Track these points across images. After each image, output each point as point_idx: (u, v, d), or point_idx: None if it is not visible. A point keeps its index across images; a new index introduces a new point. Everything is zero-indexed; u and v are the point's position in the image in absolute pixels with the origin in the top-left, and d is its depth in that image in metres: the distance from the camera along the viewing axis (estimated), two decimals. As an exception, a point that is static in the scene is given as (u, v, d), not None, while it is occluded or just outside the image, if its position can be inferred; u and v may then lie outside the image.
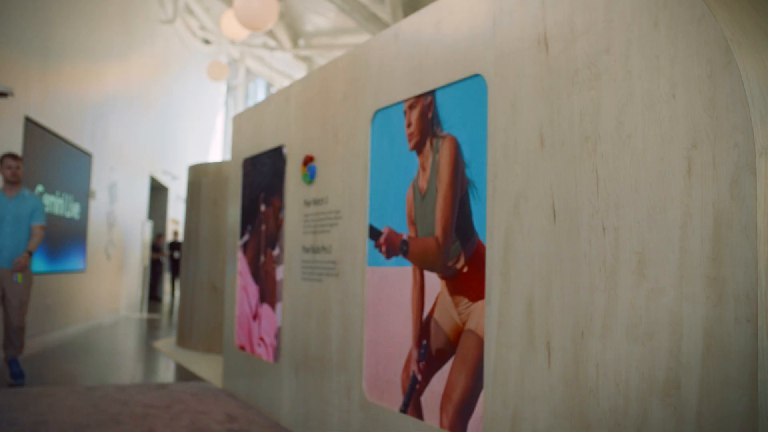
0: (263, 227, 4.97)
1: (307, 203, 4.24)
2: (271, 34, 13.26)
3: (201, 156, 22.49)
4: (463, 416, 2.78)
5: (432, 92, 3.11)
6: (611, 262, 2.15)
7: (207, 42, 19.48)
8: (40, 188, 7.67)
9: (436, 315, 3.01)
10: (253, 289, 5.08)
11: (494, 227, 2.65)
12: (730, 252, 1.81)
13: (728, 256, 1.82)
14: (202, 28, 18.35)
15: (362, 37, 11.96)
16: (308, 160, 4.23)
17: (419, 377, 3.09)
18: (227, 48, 18.35)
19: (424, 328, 3.08)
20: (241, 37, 10.03)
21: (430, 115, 3.12)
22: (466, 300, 2.82)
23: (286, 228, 4.53)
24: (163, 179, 15.52)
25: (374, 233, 3.50)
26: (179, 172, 16.90)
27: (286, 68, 19.08)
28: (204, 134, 22.91)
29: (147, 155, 13.64)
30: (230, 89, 28.15)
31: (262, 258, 4.95)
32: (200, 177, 8.03)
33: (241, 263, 5.36)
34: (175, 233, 16.81)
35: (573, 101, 2.32)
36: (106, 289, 11.01)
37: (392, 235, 3.36)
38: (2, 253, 5.40)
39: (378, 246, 3.46)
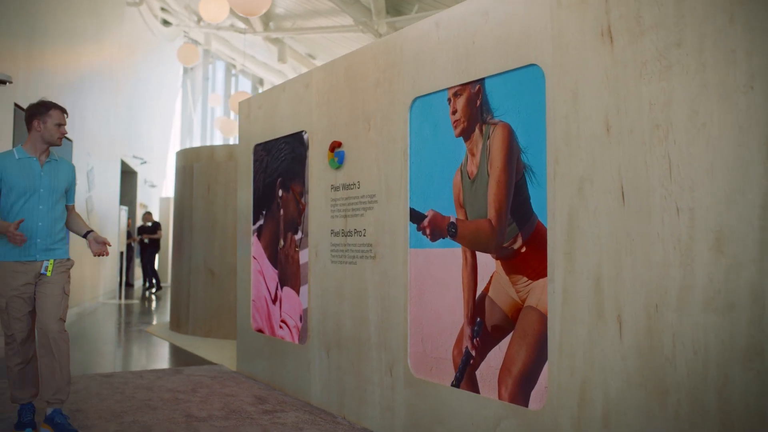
0: (282, 212, 5.04)
1: (335, 188, 4.34)
2: (241, 16, 13.13)
3: (164, 139, 22.20)
4: (525, 387, 2.96)
5: (480, 80, 3.24)
6: (686, 241, 2.33)
7: (166, 23, 19.16)
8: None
9: (491, 293, 3.17)
10: (272, 273, 5.16)
11: (556, 209, 2.81)
12: (813, 229, 2.00)
13: (810, 233, 2.01)
14: (163, 9, 18.05)
15: (336, 20, 11.96)
16: (336, 146, 4.32)
17: (473, 353, 3.25)
18: (192, 30, 18.08)
19: (477, 306, 3.24)
20: (220, 19, 9.96)
21: (478, 102, 3.25)
22: (525, 278, 2.99)
23: (311, 212, 4.62)
24: (132, 163, 15.32)
25: (417, 216, 3.63)
26: (147, 156, 16.68)
27: (247, 49, 18.91)
28: (165, 117, 22.59)
29: (118, 140, 13.45)
30: (187, 71, 27.69)
31: (282, 242, 5.03)
32: (191, 161, 8.02)
33: (255, 248, 5.43)
34: (145, 216, 16.62)
35: (641, 91, 2.48)
36: (87, 276, 10.90)
37: (437, 218, 3.49)
38: (34, 239, 3.79)
39: (422, 229, 3.60)
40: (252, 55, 18.81)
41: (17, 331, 3.77)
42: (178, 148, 26.94)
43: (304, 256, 4.73)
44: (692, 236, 2.31)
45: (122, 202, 15.79)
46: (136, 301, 12.80)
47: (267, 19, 13.27)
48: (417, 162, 3.65)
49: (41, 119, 3.82)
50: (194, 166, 7.94)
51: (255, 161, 5.46)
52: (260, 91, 23.39)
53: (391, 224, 3.81)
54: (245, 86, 25.71)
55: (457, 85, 3.37)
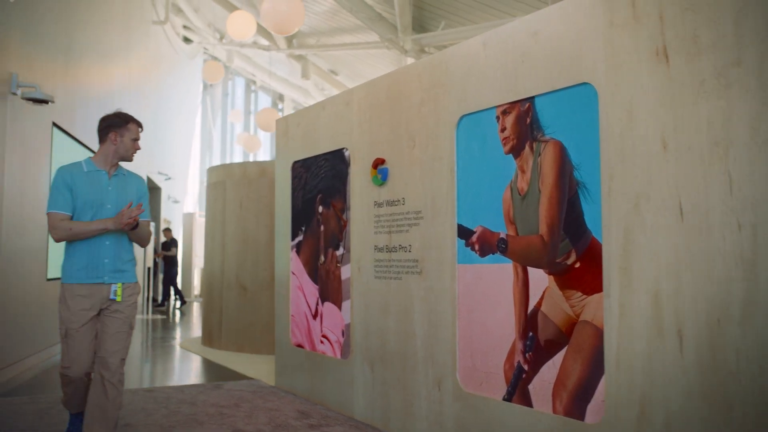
0: (322, 228, 5.12)
1: (378, 204, 4.41)
2: (265, 33, 13.32)
3: (185, 155, 22.42)
4: (581, 401, 2.99)
5: (530, 99, 3.30)
6: (749, 256, 2.37)
7: (187, 40, 19.42)
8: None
9: (543, 308, 3.21)
10: (312, 289, 5.23)
11: (611, 225, 2.85)
12: None
13: None
14: (185, 27, 18.30)
15: (361, 37, 12.09)
16: (379, 163, 4.39)
17: (526, 367, 3.29)
18: (213, 47, 18.32)
19: (529, 321, 3.28)
20: (246, 37, 10.10)
21: (528, 120, 3.31)
22: (579, 293, 3.03)
23: (353, 228, 4.69)
24: (157, 179, 15.50)
25: (465, 232, 3.68)
26: (170, 172, 16.87)
27: (269, 65, 19.12)
28: (187, 133, 22.83)
29: (144, 156, 13.62)
30: (207, 88, 27.99)
31: (323, 258, 5.10)
32: (224, 178, 8.12)
33: (294, 263, 5.50)
34: (165, 233, 16.76)
35: (699, 109, 2.53)
36: (116, 292, 11.02)
37: (487, 233, 3.55)
38: (101, 259, 3.52)
39: (470, 244, 3.65)
40: (273, 72, 19.02)
41: (75, 365, 3.43)
42: (198, 164, 27.18)
43: (346, 271, 4.79)
44: (755, 252, 2.35)
45: (147, 218, 15.94)
46: (161, 317, 12.91)
47: (291, 36, 13.43)
48: (464, 179, 3.71)
49: (119, 132, 3.62)
50: (226, 182, 8.04)
51: (293, 178, 5.54)
52: (280, 106, 23.59)
53: (437, 240, 3.87)
54: (265, 102, 25.95)
55: (506, 104, 3.43)
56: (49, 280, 7.18)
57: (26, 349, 6.47)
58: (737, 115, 2.41)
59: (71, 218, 3.53)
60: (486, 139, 3.56)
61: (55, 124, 7.17)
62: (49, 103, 5.97)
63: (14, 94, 5.84)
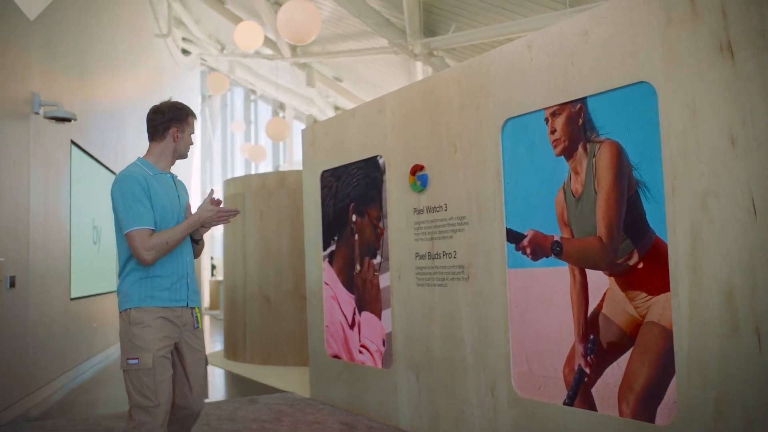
0: (356, 237, 5.08)
1: (418, 211, 4.37)
2: (268, 42, 13.30)
3: (186, 166, 22.35)
4: (650, 403, 2.96)
5: (582, 99, 3.27)
6: (831, 250, 2.34)
7: (185, 52, 19.38)
8: (84, 213, 7.65)
9: (605, 310, 3.18)
10: (348, 298, 5.19)
11: (677, 224, 2.82)
12: None
13: None
14: (185, 39, 18.26)
15: (367, 42, 12.07)
16: (417, 169, 4.36)
17: (587, 370, 3.26)
18: (213, 58, 18.28)
19: (590, 323, 3.25)
20: (254, 47, 10.08)
21: (581, 121, 3.28)
22: (644, 294, 3.00)
23: (391, 236, 4.65)
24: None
25: (515, 236, 3.65)
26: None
27: (270, 75, 19.09)
28: (188, 145, 22.74)
29: (152, 171, 13.59)
30: (205, 99, 27.96)
31: (359, 267, 5.06)
32: (242, 189, 8.09)
33: (327, 273, 5.46)
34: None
35: (770, 104, 2.50)
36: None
37: (539, 237, 3.52)
38: (184, 278, 3.10)
39: (521, 248, 3.62)
40: (275, 81, 18.98)
41: (164, 401, 2.87)
42: (198, 176, 27.11)
43: (384, 280, 4.75)
44: (838, 246, 2.32)
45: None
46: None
47: (294, 44, 13.40)
48: (512, 182, 3.68)
49: (180, 127, 3.12)
50: (245, 194, 8.01)
51: (323, 188, 5.51)
52: (281, 115, 23.56)
53: (485, 245, 3.84)
54: (265, 111, 25.91)
55: (555, 105, 3.40)
56: (72, 299, 7.13)
57: (54, 371, 6.42)
58: (812, 109, 2.39)
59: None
60: (534, 141, 3.54)
61: (73, 142, 7.14)
62: (71, 121, 5.93)
63: (36, 113, 5.81)
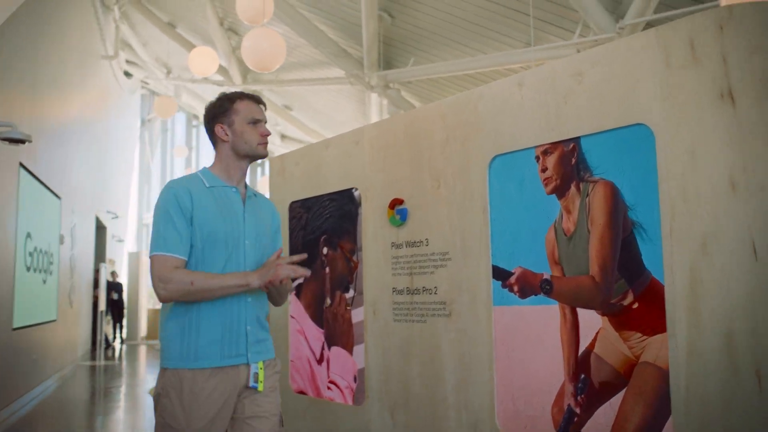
0: (327, 270, 4.98)
1: (396, 245, 4.32)
2: (220, 68, 13.14)
3: (125, 192, 21.78)
4: (645, 444, 2.95)
5: (575, 139, 3.30)
6: (834, 295, 2.39)
7: (127, 75, 19.01)
8: (28, 239, 7.30)
9: (597, 350, 3.18)
10: (316, 333, 5.07)
11: (675, 265, 2.85)
12: None
13: None
14: (128, 61, 17.90)
15: (321, 72, 12.05)
16: (397, 203, 4.32)
17: (577, 410, 3.24)
18: (157, 82, 17.96)
19: (581, 363, 3.24)
20: (209, 73, 9.93)
21: (574, 160, 3.30)
22: (638, 334, 3.01)
23: (366, 270, 4.58)
24: (103, 218, 14.98)
25: (502, 274, 3.63)
26: (116, 210, 16.34)
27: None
28: (127, 170, 22.26)
29: (93, 194, 13.16)
30: (144, 123, 27.44)
31: (329, 301, 4.96)
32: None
33: (294, 306, 5.33)
34: (113, 274, 16.18)
35: (772, 150, 2.56)
36: (72, 337, 10.52)
37: (527, 275, 3.50)
38: (242, 326, 2.48)
39: (508, 286, 3.60)
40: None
41: None
42: (136, 201, 26.43)
43: (357, 314, 4.66)
44: (841, 291, 2.38)
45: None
46: (114, 363, 12.37)
47: (245, 70, 13.29)
48: (499, 219, 3.67)
49: (226, 120, 2.53)
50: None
51: (291, 219, 5.40)
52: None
53: (469, 282, 3.80)
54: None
55: (547, 144, 3.42)
56: (15, 329, 6.76)
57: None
58: (815, 157, 2.45)
59: (186, 264, 2.40)
60: (524, 179, 3.54)
61: (21, 165, 6.84)
62: (26, 143, 5.68)
63: (-12, 134, 5.54)
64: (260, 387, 2.43)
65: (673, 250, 2.86)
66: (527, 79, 3.53)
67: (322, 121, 15.69)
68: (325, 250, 5.04)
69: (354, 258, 4.73)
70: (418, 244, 4.16)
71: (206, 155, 25.26)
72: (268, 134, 2.56)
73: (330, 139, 5.07)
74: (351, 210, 4.78)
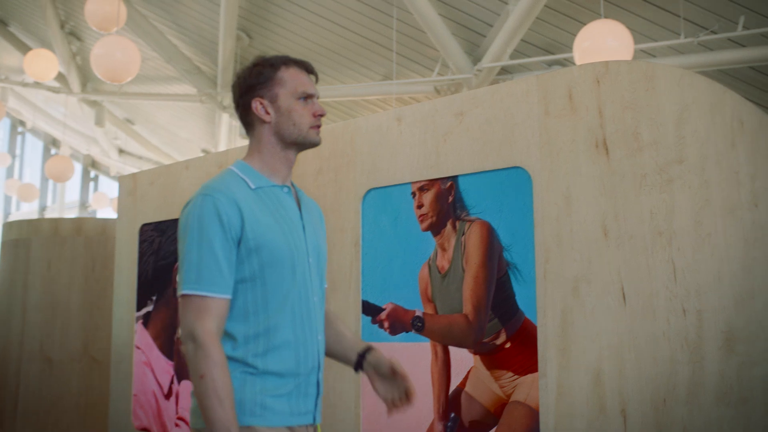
0: (181, 298, 4.68)
1: (260, 275, 4.14)
2: (58, 75, 12.21)
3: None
4: (513, 483, 2.99)
5: (453, 177, 3.33)
6: (694, 340, 2.55)
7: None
8: None
9: (468, 388, 3.19)
10: (165, 365, 4.74)
11: (547, 307, 2.93)
12: (823, 333, 2.30)
13: (821, 335, 2.31)
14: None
15: (170, 88, 11.55)
16: (262, 232, 4.15)
17: (446, 449, 3.23)
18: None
19: (451, 401, 3.24)
20: (48, 78, 9.19)
21: (450, 198, 3.33)
22: (510, 374, 3.05)
23: (224, 300, 4.35)
24: None
25: (373, 309, 3.57)
26: None
27: (50, 109, 17.57)
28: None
29: None
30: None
31: (179, 331, 4.65)
32: (28, 235, 7.18)
33: (140, 336, 4.96)
34: None
35: (641, 201, 2.71)
36: None
37: (399, 311, 3.47)
38: (314, 372, 2.07)
39: (378, 322, 3.54)
40: (52, 114, 17.46)
41: None
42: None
43: (213, 346, 4.40)
44: (701, 336, 2.54)
45: None
46: None
47: (85, 79, 12.47)
48: (371, 253, 3.62)
49: (265, 94, 1.96)
50: (32, 239, 7.12)
51: (142, 242, 5.05)
52: (54, 152, 21.60)
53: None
54: (35, 146, 23.63)
55: (424, 181, 3.43)
56: None
57: None
58: (680, 209, 2.62)
59: (230, 304, 1.85)
60: (399, 214, 3.52)
61: None
62: None
63: None
64: None
65: (546, 291, 2.94)
66: (406, 115, 3.53)
67: (165, 137, 15.03)
68: (178, 277, 4.74)
69: (212, 287, 4.48)
70: (284, 275, 4.01)
71: (32, 165, 23.36)
72: (323, 114, 1.99)
73: (191, 161, 4.81)
74: (211, 236, 4.53)
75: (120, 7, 6.74)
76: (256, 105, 1.98)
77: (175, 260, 4.73)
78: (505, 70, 7.06)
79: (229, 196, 1.85)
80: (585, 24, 5.32)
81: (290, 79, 1.97)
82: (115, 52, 6.28)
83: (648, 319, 2.65)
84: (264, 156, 1.99)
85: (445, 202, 3.35)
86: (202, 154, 12.04)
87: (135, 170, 12.84)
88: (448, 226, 3.33)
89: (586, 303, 2.82)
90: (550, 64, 6.83)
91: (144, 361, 4.92)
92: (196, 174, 4.68)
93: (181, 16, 9.30)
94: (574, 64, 5.68)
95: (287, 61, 2.00)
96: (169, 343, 4.72)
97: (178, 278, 1.89)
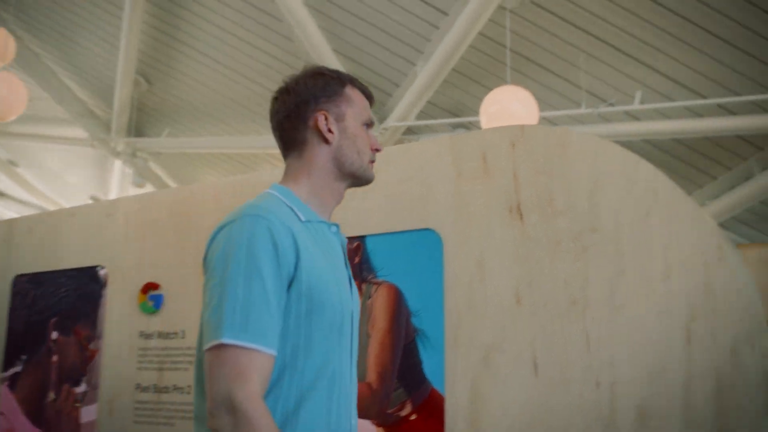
0: (55, 358, 4.25)
1: (146, 336, 3.81)
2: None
3: None
4: None
5: (360, 237, 3.17)
6: (607, 413, 2.47)
7: None
8: None
9: (370, 463, 2.98)
10: (31, 433, 4.25)
11: (457, 376, 2.79)
12: (736, 408, 2.26)
13: (733, 410, 2.27)
14: None
15: (60, 130, 10.94)
16: (151, 288, 3.84)
17: None
18: None
19: (352, 477, 3.01)
20: None
21: (357, 259, 3.17)
22: (415, 447, 2.87)
23: (105, 361, 3.96)
24: None
25: (270, 375, 3.32)
26: None
27: None
28: None
29: None
30: None
31: (53, 395, 4.20)
32: None
33: (4, 401, 4.45)
34: None
35: (556, 268, 2.64)
36: None
37: (299, 377, 3.24)
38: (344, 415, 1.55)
39: (276, 389, 3.29)
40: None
41: None
42: None
43: (89, 413, 3.99)
44: (614, 409, 2.46)
45: None
46: None
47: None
48: (271, 314, 3.38)
49: (332, 109, 1.68)
50: None
51: (14, 294, 4.58)
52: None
53: (231, 381, 3.43)
54: None
55: (331, 239, 3.25)
56: None
57: None
58: (594, 278, 2.56)
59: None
60: (302, 273, 3.32)
61: None
62: None
63: None
64: None
65: (456, 360, 2.80)
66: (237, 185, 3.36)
67: (52, 182, 14.19)
68: (54, 335, 4.31)
69: (90, 346, 4.09)
70: (173, 336, 3.71)
71: None
72: (380, 149, 1.75)
73: (75, 208, 4.46)
74: (93, 290, 4.16)
75: (8, 41, 6.30)
76: (320, 119, 1.66)
77: (52, 315, 4.31)
78: (410, 131, 7.05)
79: (285, 225, 1.48)
80: (491, 89, 5.39)
81: (358, 100, 1.70)
82: (1, 89, 5.85)
83: (561, 391, 2.55)
84: (314, 183, 1.68)
85: (351, 263, 3.18)
86: (90, 201, 11.41)
87: (15, 215, 12.00)
88: (355, 287, 3.15)
89: (498, 373, 2.69)
90: (455, 126, 6.89)
91: (7, 428, 4.41)
92: (82, 222, 4.31)
93: (77, 56, 8.87)
94: (479, 127, 5.72)
95: (353, 80, 1.72)
96: (38, 408, 4.25)
97: (204, 321, 1.46)
